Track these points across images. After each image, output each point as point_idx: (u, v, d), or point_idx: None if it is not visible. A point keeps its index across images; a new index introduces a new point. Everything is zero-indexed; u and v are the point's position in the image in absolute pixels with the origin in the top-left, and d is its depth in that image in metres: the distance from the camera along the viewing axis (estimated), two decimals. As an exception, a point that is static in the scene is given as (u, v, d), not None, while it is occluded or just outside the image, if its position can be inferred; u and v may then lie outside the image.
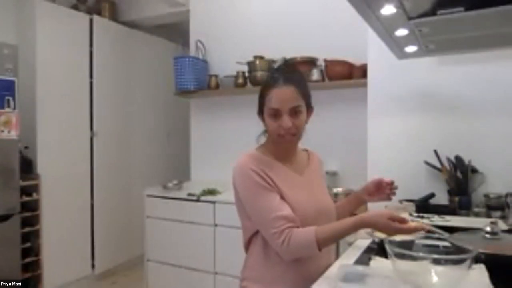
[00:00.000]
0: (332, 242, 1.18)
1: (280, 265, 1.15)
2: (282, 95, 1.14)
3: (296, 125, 1.15)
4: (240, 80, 2.91)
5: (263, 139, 1.29)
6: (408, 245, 1.02)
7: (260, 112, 1.22)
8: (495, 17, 1.12)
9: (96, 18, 3.41)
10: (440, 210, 1.73)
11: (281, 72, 1.23)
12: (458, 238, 1.11)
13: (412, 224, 1.06)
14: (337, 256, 1.29)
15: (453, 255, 0.93)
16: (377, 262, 1.14)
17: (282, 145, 1.22)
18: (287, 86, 1.14)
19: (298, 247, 1.08)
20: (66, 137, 3.19)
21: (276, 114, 1.15)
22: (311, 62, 2.65)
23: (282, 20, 2.89)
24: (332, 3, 2.64)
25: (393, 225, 1.04)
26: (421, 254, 0.92)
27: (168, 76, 3.58)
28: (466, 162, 1.80)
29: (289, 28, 2.85)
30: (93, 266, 3.40)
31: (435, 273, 0.91)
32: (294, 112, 1.15)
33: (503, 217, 1.61)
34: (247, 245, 1.25)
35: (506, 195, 1.67)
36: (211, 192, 2.58)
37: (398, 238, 1.04)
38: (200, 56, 3.14)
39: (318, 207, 1.21)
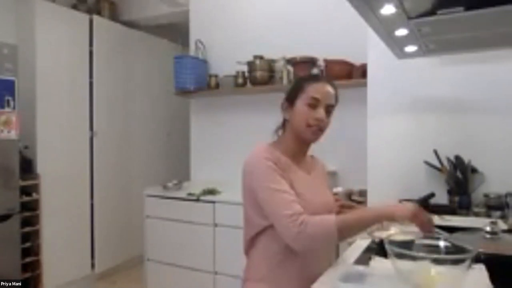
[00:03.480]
0: (353, 230, 1.11)
1: (283, 264, 1.15)
2: (326, 90, 1.21)
3: (325, 122, 1.21)
4: (240, 80, 2.91)
5: (271, 135, 1.30)
6: (408, 245, 1.02)
7: (290, 102, 1.24)
8: (495, 17, 1.12)
9: (96, 18, 3.41)
10: (440, 210, 1.73)
11: (324, 75, 1.28)
12: (458, 238, 1.11)
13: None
14: (337, 256, 1.29)
15: (453, 255, 0.93)
16: (377, 262, 1.14)
17: (300, 140, 1.24)
18: (331, 86, 1.23)
19: (316, 229, 1.04)
20: (66, 137, 3.19)
21: (314, 104, 1.19)
22: (311, 62, 2.65)
23: (282, 20, 2.89)
24: (332, 3, 2.64)
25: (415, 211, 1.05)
26: (421, 254, 0.92)
27: (168, 76, 3.58)
28: (466, 162, 1.80)
29: (289, 28, 2.85)
30: (93, 266, 3.40)
31: (435, 273, 0.90)
32: (328, 110, 1.21)
33: (503, 217, 1.61)
34: (249, 244, 1.24)
35: (506, 195, 1.68)
36: (211, 192, 2.58)
37: (398, 238, 1.04)
38: (200, 56, 3.13)
39: (323, 203, 1.23)
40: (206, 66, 3.14)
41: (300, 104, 1.20)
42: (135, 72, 3.84)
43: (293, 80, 2.65)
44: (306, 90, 1.20)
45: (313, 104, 1.19)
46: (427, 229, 1.09)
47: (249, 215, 1.21)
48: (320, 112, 1.19)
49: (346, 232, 1.07)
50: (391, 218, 1.08)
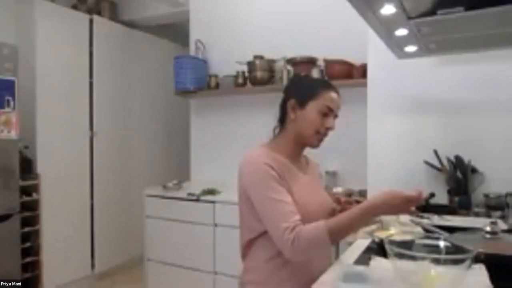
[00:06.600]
0: (344, 233, 1.10)
1: (282, 267, 1.15)
2: (338, 100, 1.25)
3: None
4: (240, 80, 2.91)
5: (267, 134, 1.30)
6: (408, 245, 1.02)
7: (299, 103, 1.22)
8: (495, 17, 1.12)
9: (96, 18, 3.41)
10: (440, 210, 1.73)
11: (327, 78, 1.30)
12: (458, 238, 1.11)
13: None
14: (337, 256, 1.29)
15: (453, 255, 0.93)
16: (377, 262, 1.14)
17: (301, 143, 1.25)
18: (339, 96, 1.26)
19: (309, 241, 1.04)
20: (66, 137, 3.19)
21: (327, 113, 1.21)
22: (311, 62, 2.65)
23: (282, 20, 2.89)
24: (332, 3, 2.64)
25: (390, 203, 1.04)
26: (421, 254, 0.92)
27: (168, 76, 3.57)
28: (466, 162, 1.80)
29: (289, 28, 2.85)
30: (93, 266, 3.40)
31: (435, 273, 0.90)
32: (334, 119, 1.25)
33: (503, 217, 1.61)
34: (246, 247, 1.23)
35: (506, 195, 1.68)
36: (211, 192, 2.58)
37: (398, 238, 1.04)
38: (200, 56, 3.14)
39: (320, 204, 1.24)
40: (206, 66, 3.14)
41: (313, 109, 1.20)
42: (135, 72, 3.84)
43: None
44: (322, 97, 1.21)
45: (326, 113, 1.21)
46: (414, 204, 1.07)
47: (246, 219, 1.20)
48: (331, 122, 1.21)
49: (337, 236, 1.07)
50: (376, 215, 1.09)
